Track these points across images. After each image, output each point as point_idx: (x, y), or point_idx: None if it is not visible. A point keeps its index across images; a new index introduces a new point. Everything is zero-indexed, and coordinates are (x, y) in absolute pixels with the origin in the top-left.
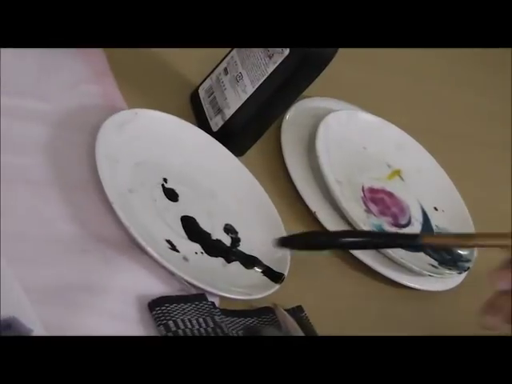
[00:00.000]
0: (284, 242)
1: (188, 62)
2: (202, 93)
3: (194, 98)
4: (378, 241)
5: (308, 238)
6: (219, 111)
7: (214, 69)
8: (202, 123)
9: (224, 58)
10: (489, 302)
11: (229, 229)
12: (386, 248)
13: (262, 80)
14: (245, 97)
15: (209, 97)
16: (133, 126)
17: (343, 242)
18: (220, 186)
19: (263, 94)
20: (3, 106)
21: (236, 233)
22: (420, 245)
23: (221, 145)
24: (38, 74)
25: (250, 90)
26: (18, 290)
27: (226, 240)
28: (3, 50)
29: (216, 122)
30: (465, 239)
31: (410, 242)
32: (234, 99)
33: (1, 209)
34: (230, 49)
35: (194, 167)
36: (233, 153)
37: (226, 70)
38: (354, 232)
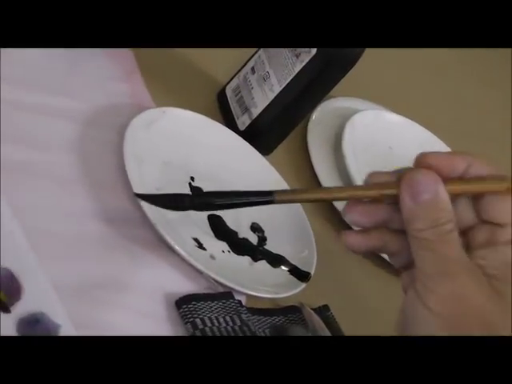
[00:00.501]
0: (146, 198)
1: (215, 60)
2: (229, 92)
3: (221, 97)
4: (234, 201)
5: (170, 199)
6: (246, 110)
7: (241, 68)
8: (229, 122)
9: (251, 57)
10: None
11: (255, 227)
12: (244, 206)
13: (289, 79)
14: (272, 96)
15: (236, 96)
16: (160, 124)
17: (202, 203)
18: (246, 185)
19: (290, 93)
20: (33, 103)
21: (262, 231)
22: (274, 201)
23: (247, 143)
24: (67, 73)
25: (277, 89)
26: (47, 286)
27: (253, 239)
28: (32, 48)
29: (243, 121)
30: (322, 192)
31: (263, 199)
32: (261, 98)
33: (29, 205)
34: (257, 48)
35: (221, 166)
36: (259, 151)
37: (253, 69)
38: (214, 193)
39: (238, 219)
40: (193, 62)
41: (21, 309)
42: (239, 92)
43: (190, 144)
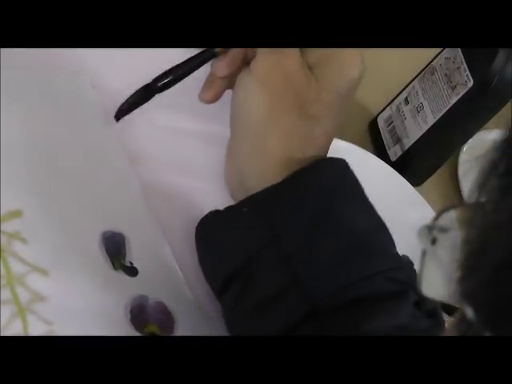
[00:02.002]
0: (119, 114)
1: (367, 90)
2: (380, 122)
3: (373, 127)
4: (185, 69)
5: (133, 99)
6: (398, 141)
7: (394, 98)
8: (380, 152)
9: (405, 87)
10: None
11: None
12: (193, 70)
13: (444, 111)
14: (425, 127)
15: (388, 126)
16: None
17: (159, 87)
18: (397, 217)
19: (444, 125)
20: (194, 130)
21: None
22: (215, 53)
23: (399, 174)
24: (226, 102)
25: (431, 121)
26: (201, 322)
27: None
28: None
29: (395, 152)
30: None
31: (206, 57)
32: (414, 129)
33: (185, 236)
34: (410, 79)
35: (371, 195)
36: (410, 182)
37: (406, 99)
38: (160, 75)
39: None
40: None
41: None
42: (392, 122)
43: None
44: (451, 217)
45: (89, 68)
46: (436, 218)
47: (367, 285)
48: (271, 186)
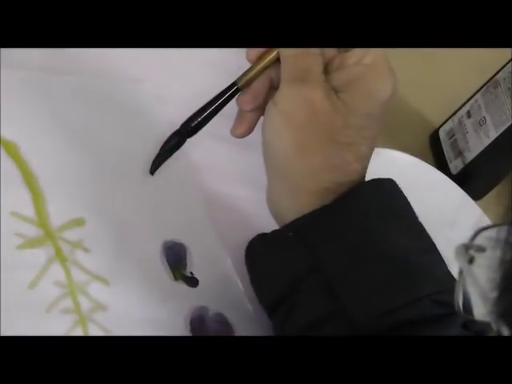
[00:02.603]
0: (154, 166)
1: (428, 102)
2: (442, 134)
3: (434, 139)
4: (207, 111)
5: (165, 148)
6: (460, 154)
7: (456, 111)
8: (441, 165)
9: (467, 100)
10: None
11: None
12: (218, 110)
13: (507, 126)
14: (487, 141)
15: (449, 139)
16: (374, 164)
17: (187, 132)
18: (457, 231)
19: (506, 139)
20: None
21: None
22: (239, 88)
23: (459, 188)
24: None
25: (494, 135)
26: (258, 333)
27: None
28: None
29: (456, 165)
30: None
31: (230, 91)
32: (476, 143)
33: (239, 246)
34: (473, 92)
35: (432, 208)
36: (470, 196)
37: (468, 113)
38: (189, 118)
39: None
40: (406, 102)
41: None
42: (453, 135)
43: (402, 185)
44: (488, 236)
45: (152, 77)
46: (473, 238)
47: (412, 309)
48: (311, 212)
